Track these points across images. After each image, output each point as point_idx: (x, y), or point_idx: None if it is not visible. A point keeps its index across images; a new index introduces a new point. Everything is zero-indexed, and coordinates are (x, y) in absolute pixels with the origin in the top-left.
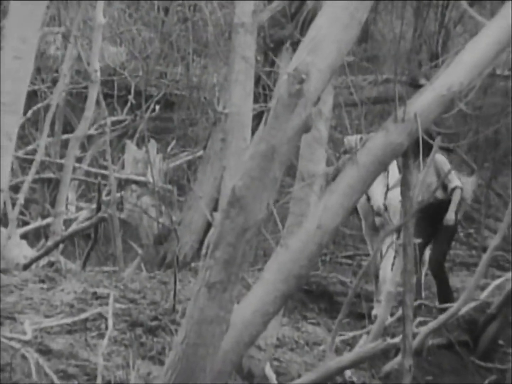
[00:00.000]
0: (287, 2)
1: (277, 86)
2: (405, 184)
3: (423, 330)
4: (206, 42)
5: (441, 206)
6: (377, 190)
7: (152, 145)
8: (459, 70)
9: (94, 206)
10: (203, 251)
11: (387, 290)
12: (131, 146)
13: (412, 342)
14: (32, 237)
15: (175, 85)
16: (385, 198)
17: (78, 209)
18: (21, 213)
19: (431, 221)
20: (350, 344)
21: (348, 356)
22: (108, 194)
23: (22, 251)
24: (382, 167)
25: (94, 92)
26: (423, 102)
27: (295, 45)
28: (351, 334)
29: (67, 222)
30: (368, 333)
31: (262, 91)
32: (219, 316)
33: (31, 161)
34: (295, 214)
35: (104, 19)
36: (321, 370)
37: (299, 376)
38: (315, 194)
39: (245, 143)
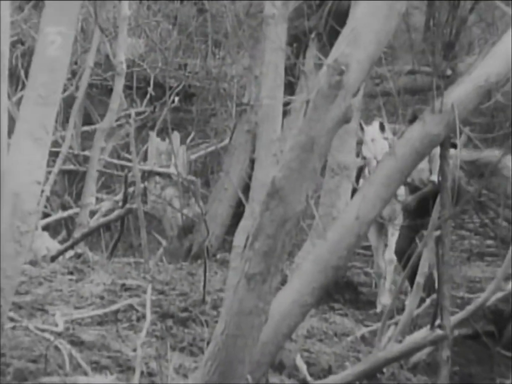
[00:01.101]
0: None
1: (301, 78)
2: (442, 175)
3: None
4: (224, 33)
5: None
6: None
7: (176, 136)
8: (496, 61)
9: (115, 197)
10: (235, 242)
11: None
12: (154, 137)
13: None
14: (52, 229)
15: (194, 76)
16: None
17: (99, 200)
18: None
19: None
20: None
21: (397, 347)
22: (130, 186)
23: (45, 243)
24: (419, 158)
25: (119, 84)
26: (461, 93)
27: (320, 36)
28: (379, 324)
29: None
30: (396, 324)
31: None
32: (258, 307)
33: (51, 153)
34: (325, 205)
35: (129, 11)
36: (371, 361)
37: (330, 367)
38: (345, 185)
39: (276, 134)
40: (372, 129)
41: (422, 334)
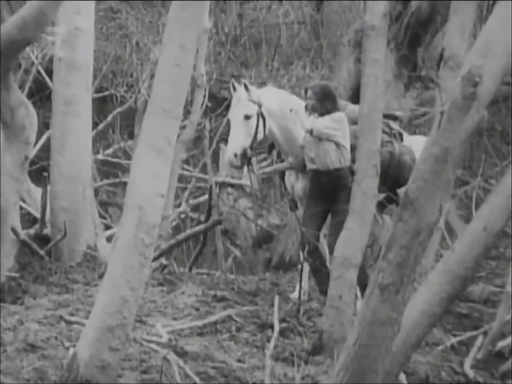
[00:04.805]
0: (392, 3)
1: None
2: None
3: None
4: (278, 44)
5: (338, 177)
6: None
7: None
8: None
9: (179, 209)
10: (336, 252)
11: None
12: (225, 149)
13: None
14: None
15: None
16: None
17: None
18: (102, 216)
19: (325, 196)
20: (466, 344)
21: None
22: (196, 197)
23: None
24: None
25: (200, 96)
26: None
27: (399, 46)
28: (468, 334)
29: None
30: (484, 333)
31: None
32: (391, 317)
33: (110, 164)
34: None
35: (209, 23)
36: None
37: (427, 376)
38: None
39: (376, 145)
40: (240, 90)
41: None
